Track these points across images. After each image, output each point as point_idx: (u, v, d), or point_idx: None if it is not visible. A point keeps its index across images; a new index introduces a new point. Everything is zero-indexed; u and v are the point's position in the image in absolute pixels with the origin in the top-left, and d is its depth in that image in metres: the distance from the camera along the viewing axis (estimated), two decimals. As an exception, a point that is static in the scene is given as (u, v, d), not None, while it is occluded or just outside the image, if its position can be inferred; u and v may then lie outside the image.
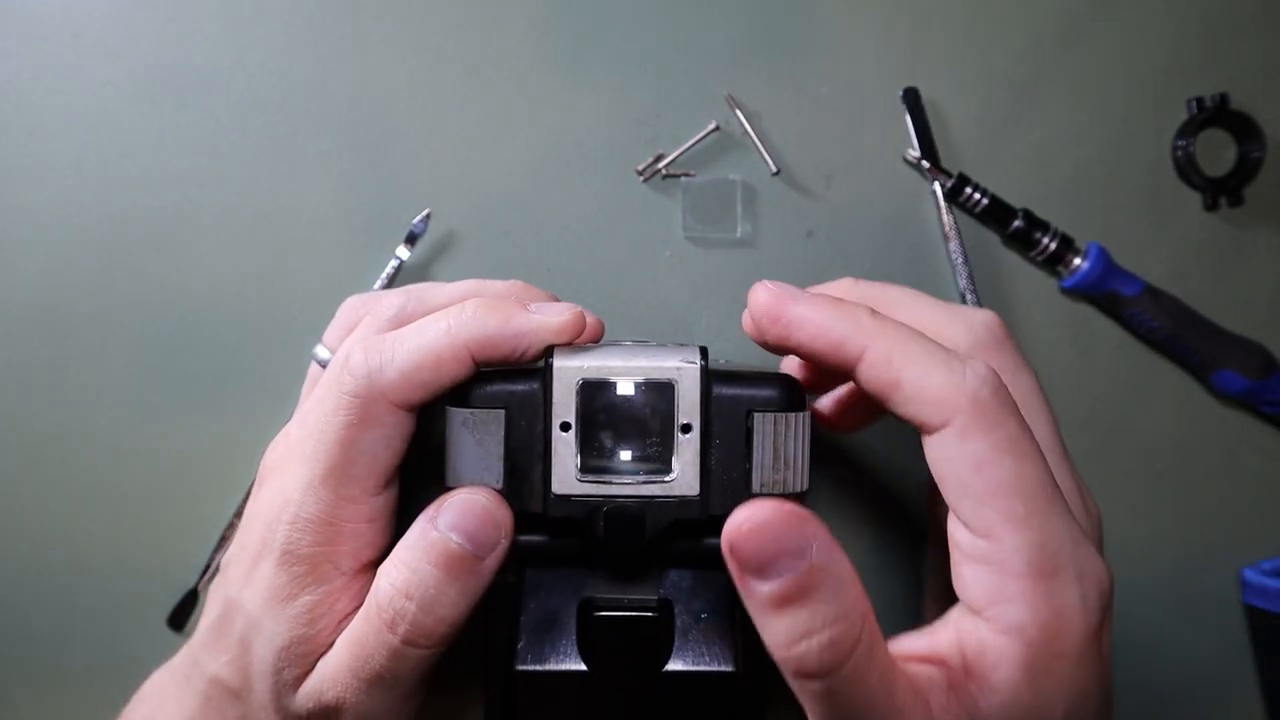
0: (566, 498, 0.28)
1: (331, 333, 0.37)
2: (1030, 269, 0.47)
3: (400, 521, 0.32)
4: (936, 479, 0.27)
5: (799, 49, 0.46)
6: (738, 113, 0.45)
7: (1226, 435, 0.48)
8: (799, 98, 0.46)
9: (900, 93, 0.46)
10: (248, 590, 0.32)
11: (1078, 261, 0.45)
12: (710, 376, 0.28)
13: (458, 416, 0.29)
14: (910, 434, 0.28)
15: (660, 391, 0.28)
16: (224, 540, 0.44)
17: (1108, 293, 0.45)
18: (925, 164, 0.45)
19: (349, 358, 0.29)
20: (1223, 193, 0.46)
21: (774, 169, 0.45)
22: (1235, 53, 0.47)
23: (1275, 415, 0.47)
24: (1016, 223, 0.45)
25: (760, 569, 0.25)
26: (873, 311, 0.27)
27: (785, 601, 0.25)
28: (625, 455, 0.28)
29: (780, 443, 0.28)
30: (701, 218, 0.45)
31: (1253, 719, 0.48)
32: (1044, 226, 0.45)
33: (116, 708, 0.38)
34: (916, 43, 0.46)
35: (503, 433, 0.28)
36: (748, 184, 0.46)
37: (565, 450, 0.28)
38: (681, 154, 0.45)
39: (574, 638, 0.31)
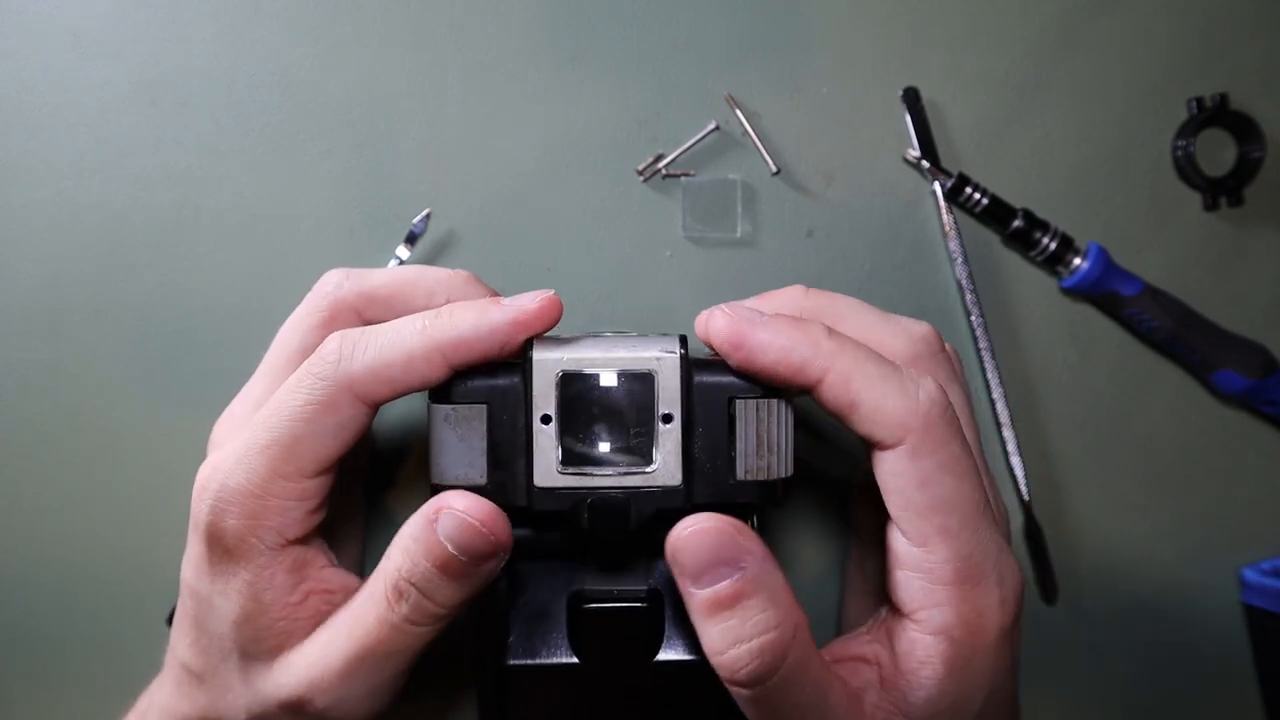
0: (550, 490, 0.28)
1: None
2: (1030, 269, 0.47)
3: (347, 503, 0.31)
4: (883, 490, 0.29)
5: (799, 49, 0.46)
6: (738, 113, 0.45)
7: (1226, 435, 0.48)
8: (799, 98, 0.46)
9: (900, 93, 0.46)
10: (188, 568, 0.32)
11: (1078, 261, 0.45)
12: (691, 365, 0.28)
13: (440, 413, 0.28)
14: (834, 439, 0.28)
15: (640, 382, 0.28)
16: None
17: (1108, 293, 0.45)
18: (925, 164, 0.45)
19: (324, 344, 0.29)
20: (1223, 193, 0.46)
21: (774, 169, 0.45)
22: (1235, 53, 0.47)
23: (1275, 415, 0.47)
24: (1016, 223, 0.45)
25: (697, 575, 0.27)
26: (829, 331, 0.28)
27: (718, 607, 0.27)
28: (607, 446, 0.28)
29: (763, 429, 0.28)
30: (701, 218, 0.45)
31: (1253, 719, 0.48)
32: (1044, 226, 0.45)
33: (117, 707, 0.38)
34: (916, 43, 0.46)
35: (485, 428, 0.28)
36: (748, 184, 0.46)
37: (547, 443, 0.28)
38: (681, 154, 0.45)
39: (565, 631, 0.31)
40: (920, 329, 0.34)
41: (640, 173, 0.45)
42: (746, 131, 0.45)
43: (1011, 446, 0.45)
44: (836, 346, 0.28)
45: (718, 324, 0.28)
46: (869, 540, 0.38)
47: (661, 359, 0.28)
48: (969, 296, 0.45)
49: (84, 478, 0.45)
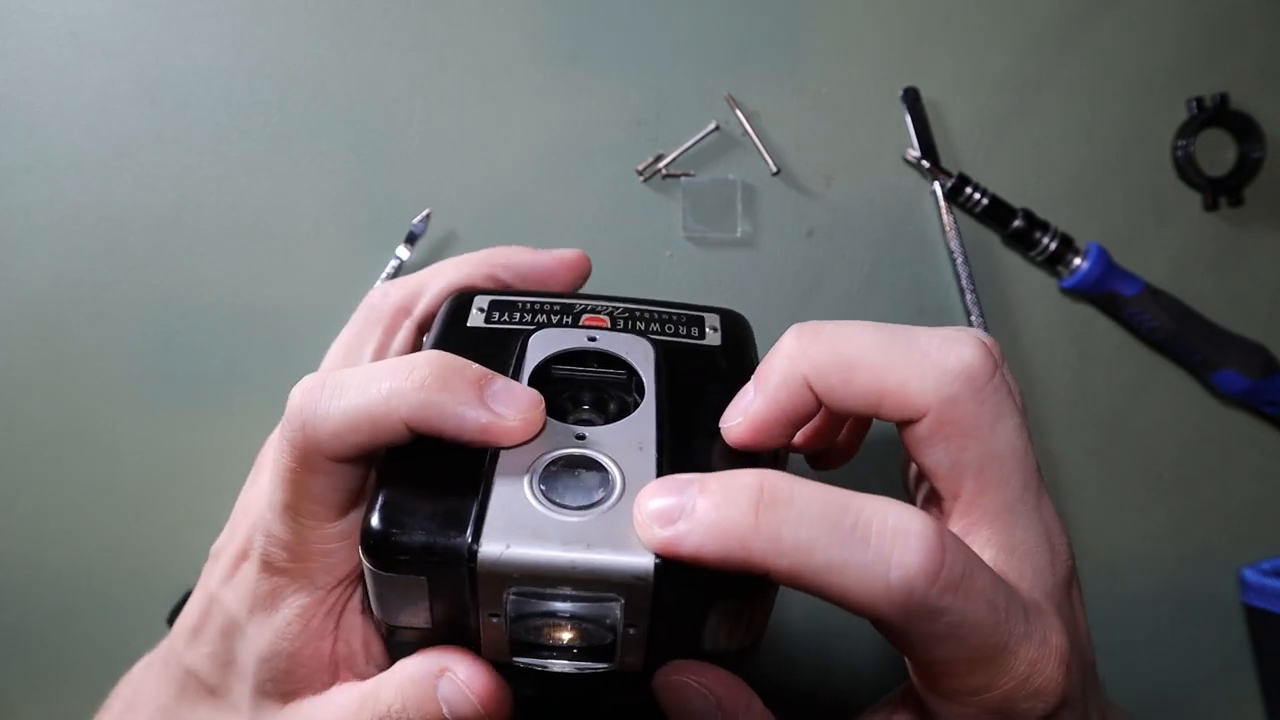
0: (500, 665, 0.27)
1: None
2: (1030, 269, 0.47)
3: None
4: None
5: (799, 49, 0.46)
6: (738, 113, 0.45)
7: (1226, 435, 0.48)
8: (799, 98, 0.46)
9: (900, 93, 0.46)
10: (229, 591, 0.32)
11: (1078, 261, 0.45)
12: (664, 576, 0.24)
13: (374, 575, 0.26)
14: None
15: (604, 604, 0.25)
16: (224, 540, 0.44)
17: (1108, 293, 0.45)
18: (925, 164, 0.45)
19: (291, 400, 0.27)
20: (1223, 193, 0.46)
21: (774, 169, 0.45)
22: (1235, 53, 0.47)
23: (1275, 415, 0.47)
24: (1016, 223, 0.45)
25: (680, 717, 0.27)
26: (759, 506, 0.23)
27: None
28: (563, 646, 0.26)
29: (741, 620, 0.26)
30: (701, 218, 0.45)
31: (1253, 719, 0.48)
32: (1044, 226, 0.45)
33: (116, 708, 0.38)
34: (916, 43, 0.46)
35: (427, 593, 0.26)
36: (748, 184, 0.46)
37: (495, 635, 0.26)
38: (681, 154, 0.45)
39: None
40: (956, 360, 0.26)
41: (640, 173, 0.45)
42: (746, 131, 0.45)
43: (1011, 446, 0.45)
44: (770, 537, 0.23)
45: (645, 527, 0.24)
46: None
47: (633, 587, 0.24)
48: (969, 296, 0.45)
49: (84, 478, 0.45)
